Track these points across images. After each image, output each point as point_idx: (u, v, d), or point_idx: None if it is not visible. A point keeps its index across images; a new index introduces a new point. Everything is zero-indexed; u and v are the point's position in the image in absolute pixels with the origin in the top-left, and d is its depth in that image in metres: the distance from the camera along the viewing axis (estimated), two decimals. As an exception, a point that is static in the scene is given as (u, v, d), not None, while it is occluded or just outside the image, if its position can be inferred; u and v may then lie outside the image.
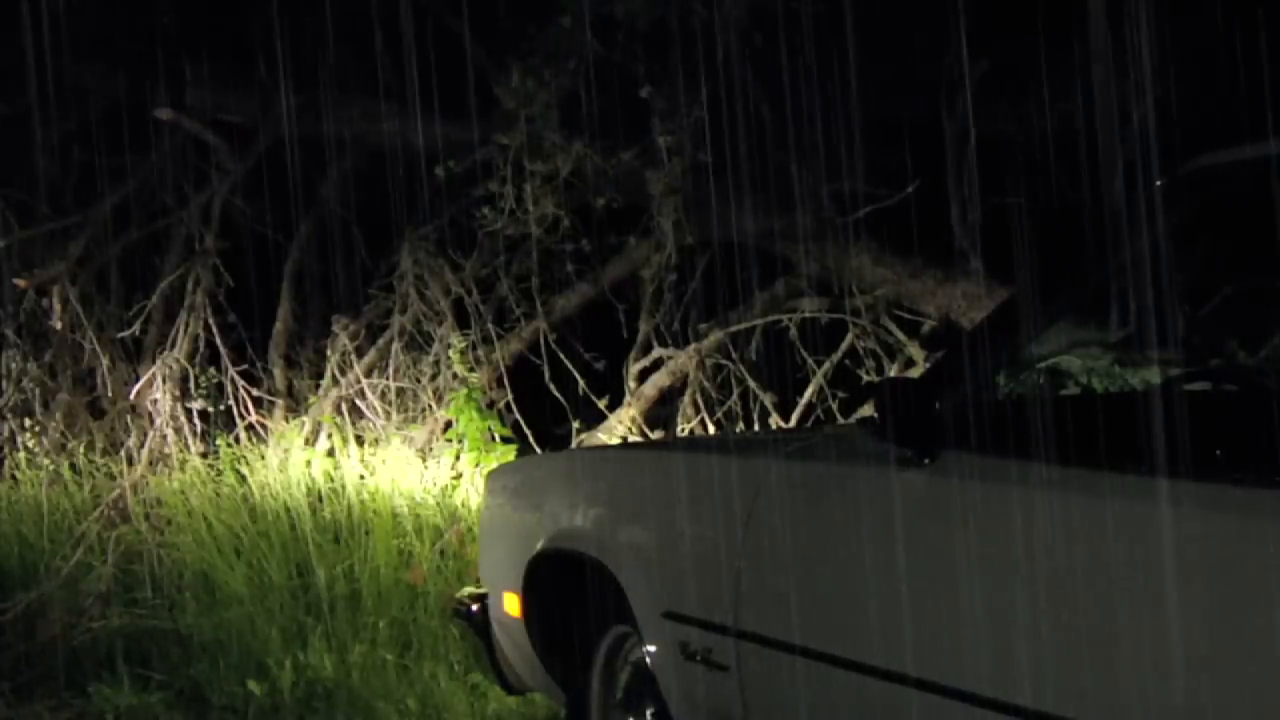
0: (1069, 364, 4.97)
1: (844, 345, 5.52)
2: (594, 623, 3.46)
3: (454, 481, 5.49)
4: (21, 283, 6.81)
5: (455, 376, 5.80)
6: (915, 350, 5.41)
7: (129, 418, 6.57)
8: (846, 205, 5.49)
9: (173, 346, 6.48)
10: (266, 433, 6.17)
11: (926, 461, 2.43)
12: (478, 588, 3.98)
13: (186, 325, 6.48)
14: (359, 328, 6.27)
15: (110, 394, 6.69)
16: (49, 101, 6.38)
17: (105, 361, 6.64)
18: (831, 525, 2.64)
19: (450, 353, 5.85)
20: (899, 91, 5.13)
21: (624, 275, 5.93)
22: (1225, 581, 1.92)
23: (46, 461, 6.55)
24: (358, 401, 6.07)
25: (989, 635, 2.23)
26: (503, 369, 5.86)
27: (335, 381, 6.15)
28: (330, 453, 5.88)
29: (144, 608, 5.50)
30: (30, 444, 6.74)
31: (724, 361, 5.68)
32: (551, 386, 5.74)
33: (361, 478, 5.55)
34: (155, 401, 6.42)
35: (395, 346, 6.05)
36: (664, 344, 5.78)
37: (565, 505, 3.55)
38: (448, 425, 5.74)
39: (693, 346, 5.69)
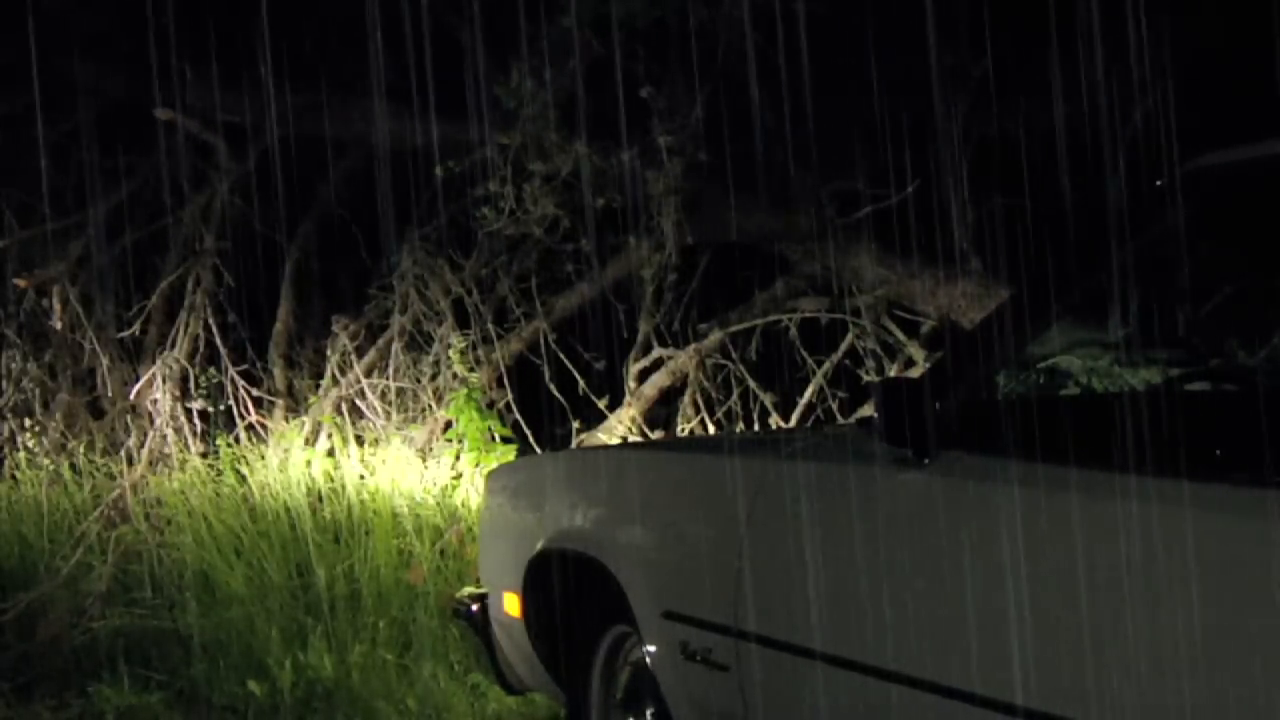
0: (1069, 364, 4.97)
1: (844, 345, 5.52)
2: (594, 623, 3.46)
3: (454, 481, 5.49)
4: (21, 283, 6.81)
5: (455, 376, 5.80)
6: (915, 350, 5.41)
7: (129, 418, 6.57)
8: (847, 205, 5.49)
9: (173, 346, 6.48)
10: (266, 433, 6.17)
11: (926, 461, 2.43)
12: (478, 588, 3.98)
13: (186, 325, 6.48)
14: (359, 328, 6.27)
15: (110, 394, 6.69)
16: (49, 101, 6.38)
17: (105, 361, 6.64)
18: (831, 525, 2.64)
19: (450, 353, 5.85)
20: (899, 91, 5.12)
21: (624, 275, 5.93)
22: (1224, 582, 1.92)
23: (46, 461, 6.55)
24: (358, 401, 6.07)
25: (989, 635, 2.23)
26: (503, 369, 5.86)
27: (335, 381, 6.15)
28: (330, 453, 5.88)
29: (144, 608, 5.50)
30: (30, 444, 6.75)
31: (724, 361, 5.68)
32: (551, 386, 5.74)
33: (361, 478, 5.55)
34: (155, 401, 6.43)
35: (395, 346, 6.05)
36: (664, 344, 5.78)
37: (565, 505, 3.55)
38: (448, 425, 5.74)
39: (693, 346, 5.69)
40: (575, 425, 5.69)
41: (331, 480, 5.60)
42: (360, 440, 5.89)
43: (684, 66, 5.39)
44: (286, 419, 6.19)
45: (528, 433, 5.71)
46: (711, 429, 5.57)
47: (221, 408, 6.36)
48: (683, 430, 5.59)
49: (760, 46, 5.31)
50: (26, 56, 6.06)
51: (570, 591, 3.45)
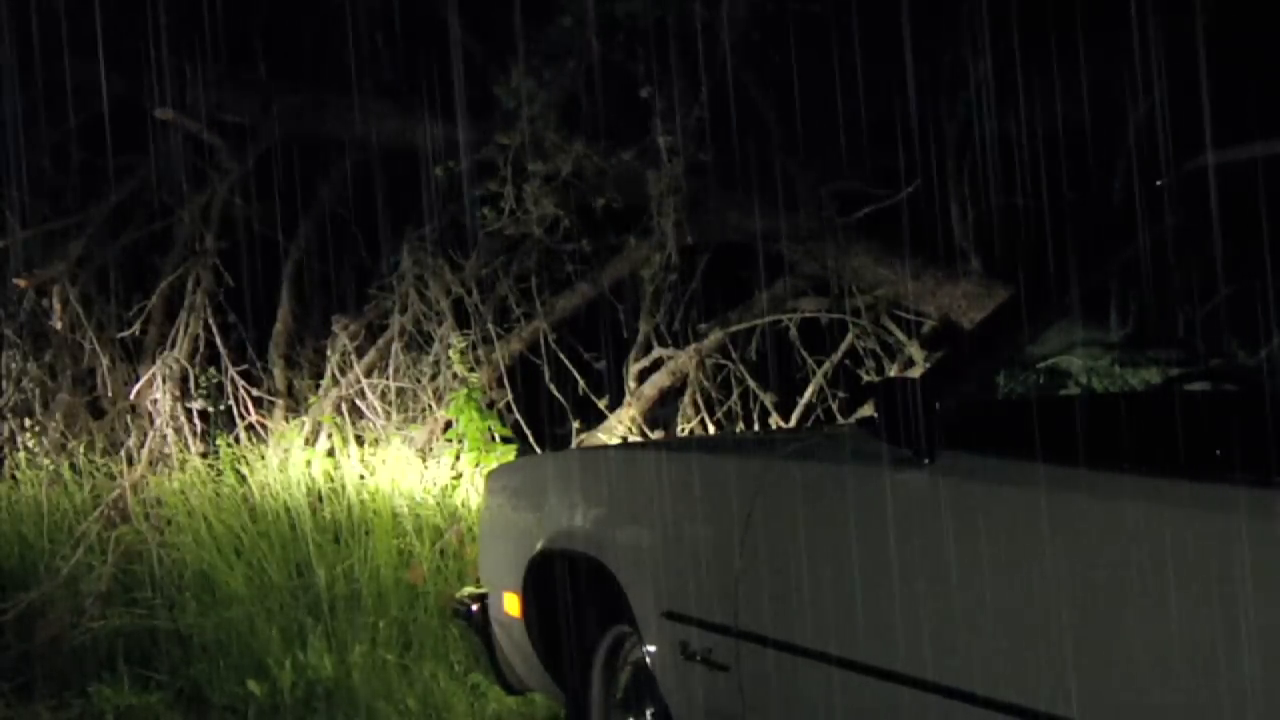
0: (1069, 364, 4.97)
1: (844, 345, 5.52)
2: (594, 623, 3.46)
3: (454, 481, 5.49)
4: (21, 283, 6.81)
5: (455, 376, 5.80)
6: (915, 350, 5.41)
7: (129, 418, 6.56)
8: (847, 205, 5.49)
9: (173, 346, 6.47)
10: (266, 433, 6.17)
11: (926, 461, 2.43)
12: (478, 588, 3.98)
13: (186, 325, 6.47)
14: (359, 328, 6.26)
15: (110, 394, 6.68)
16: (49, 101, 6.38)
17: (105, 361, 6.64)
18: (831, 525, 2.64)
19: (450, 353, 5.85)
20: (899, 91, 5.13)
21: (624, 275, 5.93)
22: (1225, 582, 1.92)
23: (46, 461, 6.54)
24: (358, 401, 6.07)
25: (989, 635, 2.23)
26: (503, 369, 5.85)
27: (335, 381, 6.14)
28: (330, 453, 5.88)
29: (144, 608, 5.50)
30: (30, 444, 6.74)
31: (724, 361, 5.68)
32: (551, 386, 5.74)
33: (361, 478, 5.55)
34: (155, 401, 6.42)
35: (395, 346, 6.05)
36: (664, 344, 5.78)
37: (565, 505, 3.55)
38: (448, 425, 5.74)
39: (693, 346, 5.69)
40: (575, 425, 5.69)
41: (331, 480, 5.60)
42: (360, 440, 5.89)
43: (684, 66, 5.39)
44: (286, 419, 6.19)
45: (528, 433, 5.71)
46: (711, 429, 5.57)
47: (221, 408, 6.36)
48: (683, 430, 5.59)
49: (760, 46, 5.32)
50: (26, 56, 6.06)
51: (570, 591, 3.45)
